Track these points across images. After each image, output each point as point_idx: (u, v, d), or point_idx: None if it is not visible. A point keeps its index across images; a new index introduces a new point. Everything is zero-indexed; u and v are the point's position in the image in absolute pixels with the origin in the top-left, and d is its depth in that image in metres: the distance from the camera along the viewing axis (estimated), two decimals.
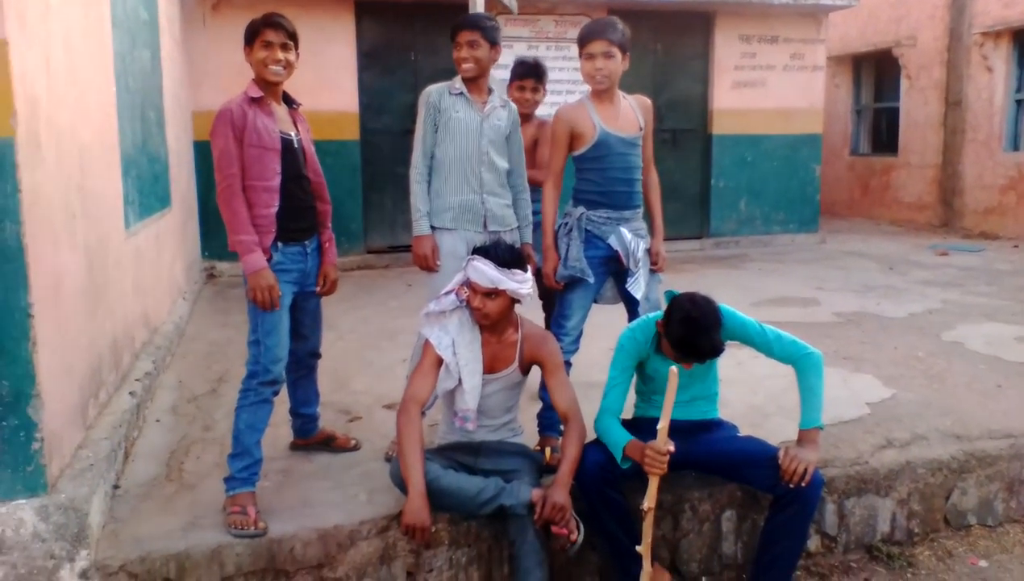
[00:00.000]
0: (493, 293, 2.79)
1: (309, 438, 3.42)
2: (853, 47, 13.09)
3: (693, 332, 2.72)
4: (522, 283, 2.82)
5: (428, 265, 3.36)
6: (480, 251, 2.85)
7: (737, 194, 10.16)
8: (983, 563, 3.24)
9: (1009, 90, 10.78)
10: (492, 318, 2.84)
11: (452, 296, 2.90)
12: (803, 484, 2.73)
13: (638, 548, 2.72)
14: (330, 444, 3.42)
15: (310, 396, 3.41)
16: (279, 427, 3.52)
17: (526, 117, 4.13)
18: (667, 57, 9.83)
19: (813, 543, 3.23)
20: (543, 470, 3.04)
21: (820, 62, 10.32)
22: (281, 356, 2.97)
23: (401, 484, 2.73)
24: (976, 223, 11.12)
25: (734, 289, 6.99)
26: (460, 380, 2.86)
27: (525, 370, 2.97)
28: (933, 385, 4.23)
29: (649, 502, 2.67)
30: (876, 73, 13.35)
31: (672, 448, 2.66)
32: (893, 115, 12.83)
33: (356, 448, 3.43)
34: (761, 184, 10.20)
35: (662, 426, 2.64)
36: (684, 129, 9.97)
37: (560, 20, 9.26)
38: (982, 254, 9.11)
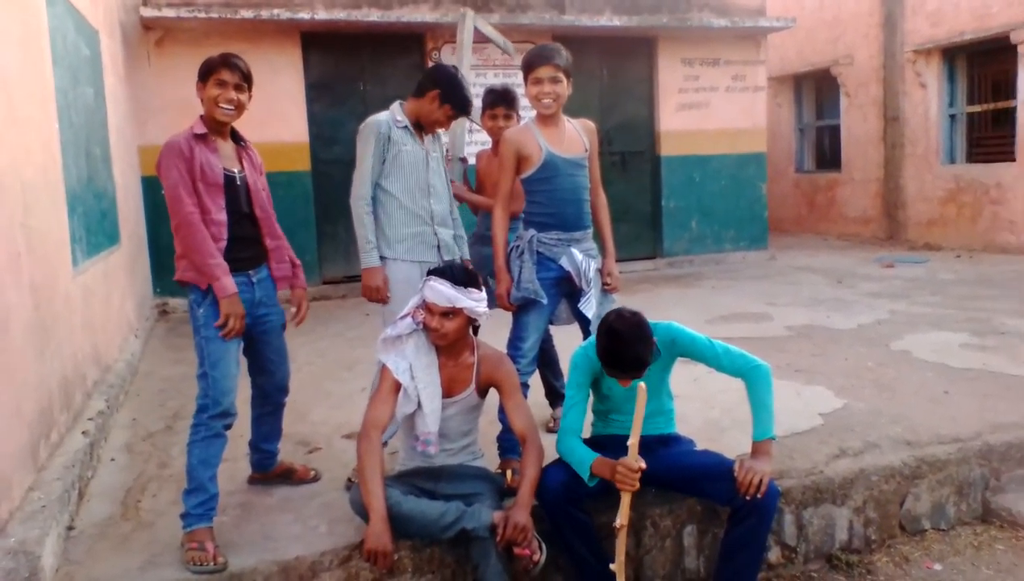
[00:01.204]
0: (451, 312, 2.81)
1: (268, 472, 3.38)
2: (793, 67, 13.47)
3: (616, 344, 2.73)
4: (479, 302, 2.85)
5: (380, 297, 3.37)
6: (436, 272, 2.88)
7: (688, 214, 10.33)
8: (938, 566, 3.31)
9: (942, 105, 11.19)
10: (450, 338, 2.85)
11: (408, 320, 2.90)
12: (759, 495, 2.77)
13: (612, 566, 2.73)
14: (289, 477, 3.38)
15: (273, 432, 3.38)
16: (237, 461, 3.47)
17: (495, 144, 4.16)
18: (613, 81, 10.01)
19: (773, 554, 3.27)
20: (504, 493, 3.05)
21: (761, 83, 10.60)
22: (229, 388, 2.94)
23: (362, 511, 2.72)
24: (920, 235, 11.46)
25: (688, 307, 7.10)
26: (420, 404, 2.86)
27: (482, 393, 2.99)
28: (883, 394, 4.33)
29: (622, 519, 2.69)
30: (816, 91, 13.75)
31: (643, 465, 2.69)
32: (835, 132, 13.20)
33: (316, 479, 3.40)
34: (710, 203, 10.39)
35: (632, 442, 2.67)
36: (633, 151, 10.13)
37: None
38: (926, 265, 9.39)
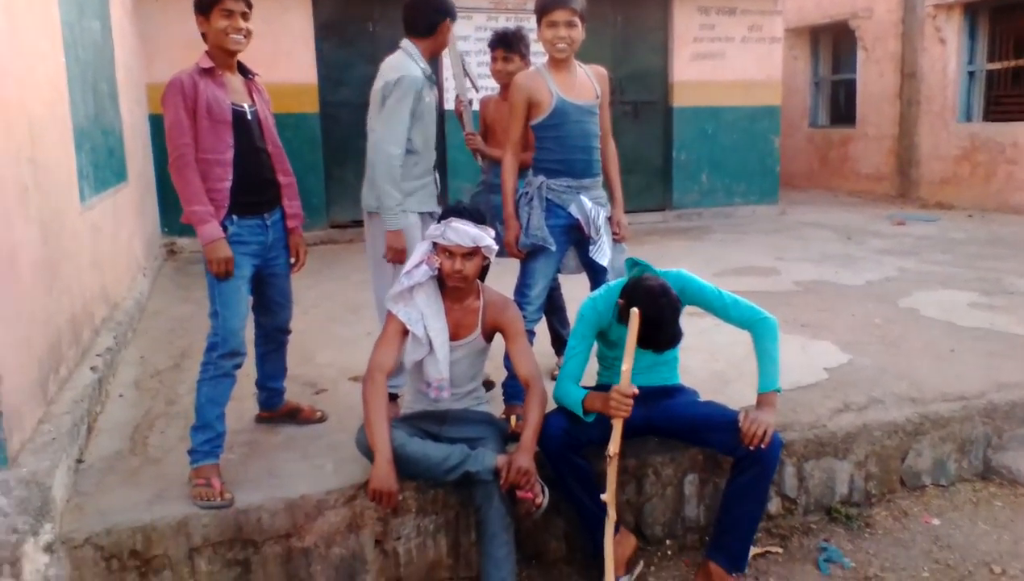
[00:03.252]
0: (472, 253, 2.81)
1: (275, 411, 3.41)
2: (810, 19, 13.20)
3: (654, 329, 2.74)
4: (493, 239, 2.86)
5: (403, 259, 3.30)
6: (453, 213, 2.84)
7: (699, 166, 10.23)
8: (936, 521, 3.34)
9: (961, 62, 10.98)
10: (470, 279, 2.86)
11: (424, 267, 2.86)
12: (762, 446, 2.78)
13: (603, 496, 2.76)
14: (296, 416, 3.41)
15: (278, 370, 3.40)
16: (244, 400, 3.50)
17: (504, 88, 4.09)
18: (627, 29, 9.82)
19: (774, 505, 3.31)
20: (508, 438, 3.07)
21: (778, 34, 10.39)
22: (239, 327, 2.94)
23: (367, 452, 2.74)
24: (932, 193, 11.35)
25: (697, 260, 7.07)
26: (432, 349, 2.86)
27: (488, 337, 2.99)
28: (889, 351, 4.33)
29: (614, 447, 2.71)
30: (833, 45, 13.49)
31: (636, 390, 2.71)
32: (851, 87, 12.99)
33: (322, 420, 3.42)
34: (722, 156, 10.28)
35: (625, 368, 2.68)
36: (645, 101, 9.99)
37: None
38: (938, 223, 9.31)
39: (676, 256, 7.30)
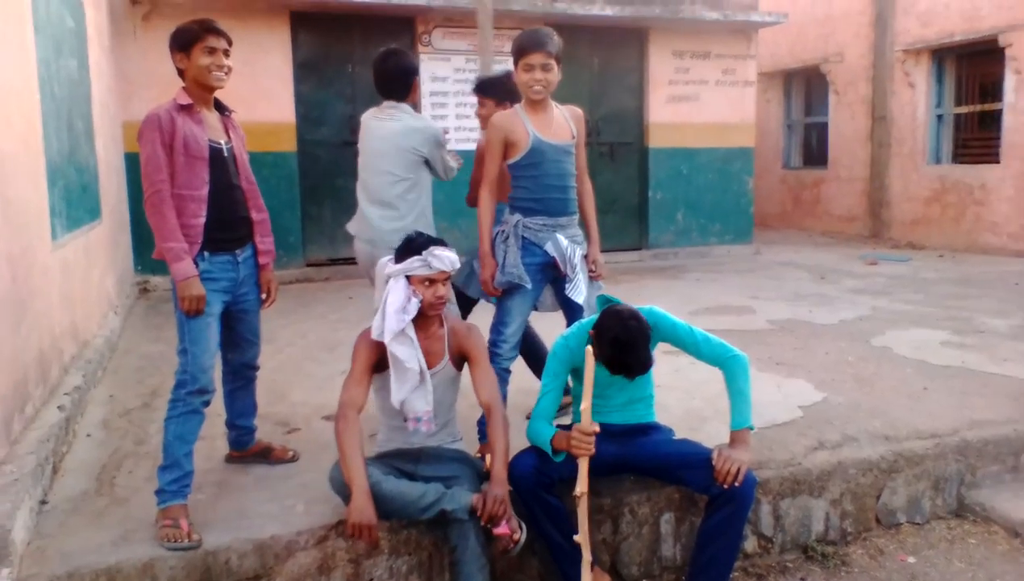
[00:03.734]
0: (447, 277, 2.88)
1: (245, 450, 3.36)
2: (783, 63, 13.49)
3: (622, 352, 2.76)
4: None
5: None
6: (430, 242, 2.87)
7: (674, 206, 10.34)
8: (911, 559, 3.33)
9: (930, 105, 11.24)
10: (446, 303, 2.91)
11: (414, 301, 2.85)
12: (736, 484, 2.78)
13: (576, 537, 2.74)
14: (267, 456, 3.36)
15: (247, 408, 3.35)
16: (215, 439, 3.45)
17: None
18: (603, 71, 9.99)
19: (750, 544, 3.29)
20: (483, 476, 3.04)
21: (751, 77, 10.61)
22: (208, 365, 2.91)
23: (342, 489, 2.70)
24: (904, 234, 11.53)
25: (673, 299, 7.10)
26: (422, 381, 2.84)
27: (456, 364, 2.97)
28: (863, 388, 4.36)
29: (581, 487, 2.70)
30: (806, 89, 13.78)
31: (597, 428, 2.70)
32: (823, 129, 13.25)
33: (294, 459, 3.37)
34: (697, 196, 10.41)
35: (584, 407, 2.69)
36: (621, 142, 10.13)
37: (497, 34, 9.31)
38: (909, 263, 9.44)
39: (652, 295, 7.34)
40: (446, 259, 2.84)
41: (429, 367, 2.89)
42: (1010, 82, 10.09)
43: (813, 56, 12.92)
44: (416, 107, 3.86)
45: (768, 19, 10.23)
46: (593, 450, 2.71)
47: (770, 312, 6.51)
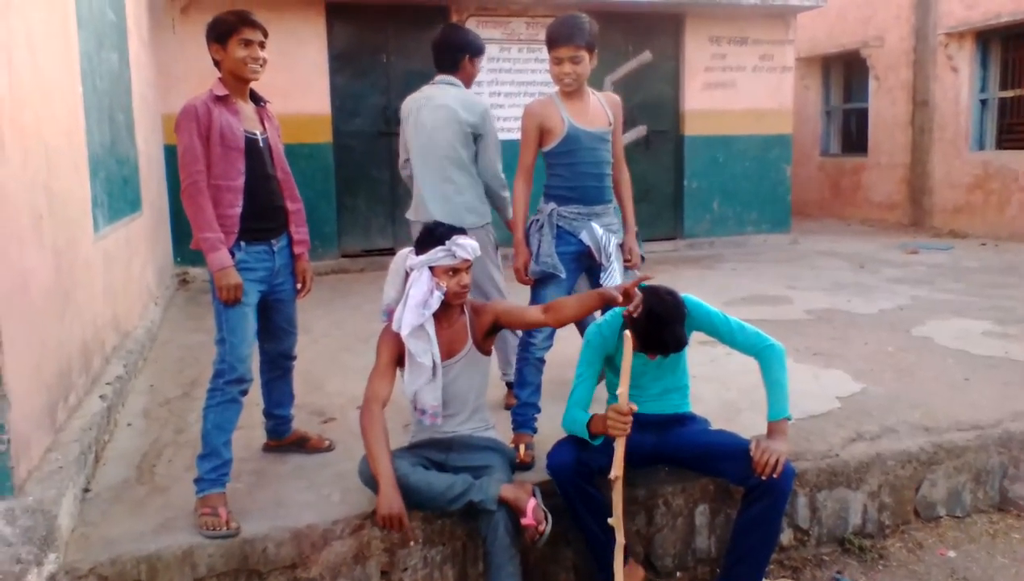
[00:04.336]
0: (469, 265, 2.88)
1: (282, 439, 3.40)
2: (822, 48, 13.26)
3: (657, 326, 2.75)
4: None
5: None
6: (451, 231, 2.88)
7: (710, 195, 10.23)
8: (952, 553, 3.28)
9: (974, 90, 10.97)
10: (469, 291, 2.92)
11: (437, 294, 2.86)
12: (775, 475, 2.75)
13: (609, 520, 2.73)
14: (303, 445, 3.40)
15: (284, 397, 3.39)
16: (252, 429, 3.50)
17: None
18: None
19: (786, 536, 3.26)
20: (516, 466, 3.06)
21: (789, 63, 10.43)
22: (246, 354, 2.94)
23: (370, 482, 2.73)
24: (945, 222, 11.30)
25: (708, 289, 7.04)
26: (434, 376, 2.85)
27: (483, 347, 2.97)
28: (902, 379, 4.28)
29: (616, 470, 2.68)
30: (845, 74, 13.53)
31: (634, 407, 2.67)
32: (862, 115, 13.01)
33: (330, 449, 3.41)
34: (733, 185, 10.29)
35: (622, 390, 2.66)
36: (656, 131, 10.02)
37: (532, 22, 9.30)
38: (951, 252, 9.25)
39: (687, 284, 7.27)
40: (469, 247, 2.84)
41: (451, 355, 2.90)
42: None
43: (852, 40, 12.67)
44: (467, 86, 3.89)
45: (807, 3, 10.04)
46: (628, 429, 2.69)
47: (808, 302, 6.42)
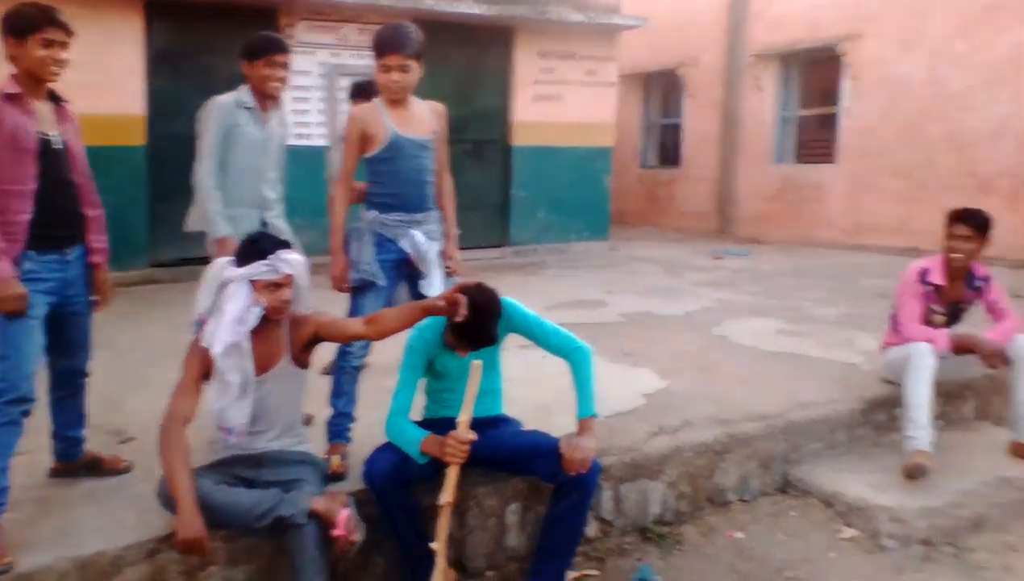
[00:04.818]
0: (291, 280, 2.83)
1: (72, 462, 3.17)
2: (643, 66, 13.96)
3: (477, 318, 2.80)
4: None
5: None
6: (276, 244, 2.83)
7: (536, 204, 10.52)
8: (739, 535, 3.55)
9: (777, 108, 11.94)
10: (290, 305, 2.85)
11: (255, 309, 2.77)
12: (583, 471, 2.87)
13: (432, 545, 2.75)
14: (96, 468, 3.18)
15: (75, 418, 3.17)
16: (37, 452, 3.24)
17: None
18: (470, 69, 10.03)
19: (591, 529, 3.40)
20: (329, 478, 3.02)
21: (613, 79, 10.91)
22: (29, 372, 2.74)
23: (169, 504, 2.60)
24: (747, 229, 12.21)
25: (531, 294, 7.21)
26: (243, 393, 2.77)
27: (300, 360, 2.92)
28: (702, 375, 4.59)
29: (448, 496, 2.71)
30: (663, 91, 14.33)
31: (474, 436, 2.74)
32: (677, 130, 13.82)
33: (126, 470, 3.21)
34: (558, 194, 10.62)
35: (464, 419, 2.74)
36: (485, 140, 10.21)
37: (363, 28, 9.21)
38: (751, 257, 10.01)
39: (511, 291, 7.23)
40: (294, 262, 2.79)
41: (265, 370, 2.82)
42: (846, 87, 10.87)
43: (670, 60, 13.44)
44: (254, 90, 3.74)
45: (629, 22, 10.56)
46: (466, 458, 2.74)
47: (622, 305, 6.74)
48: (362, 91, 4.50)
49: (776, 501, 3.83)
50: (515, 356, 4.49)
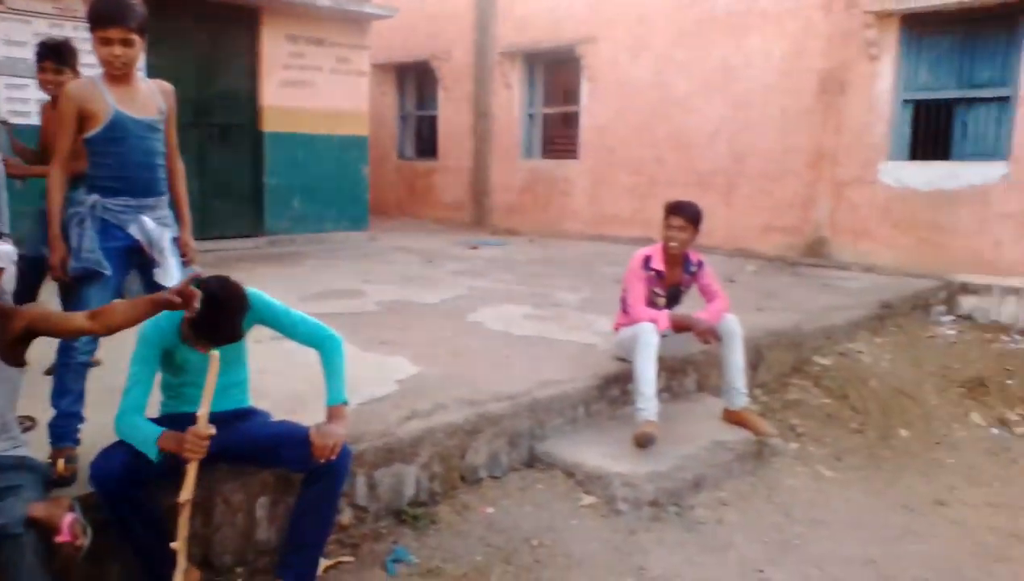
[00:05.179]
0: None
1: None
2: (396, 57, 14.01)
3: (218, 314, 2.69)
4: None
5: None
6: None
7: (291, 192, 10.24)
8: (491, 510, 3.73)
9: (523, 105, 12.51)
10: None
11: None
12: (332, 457, 2.87)
13: (173, 545, 2.62)
14: None
15: None
16: None
17: (55, 100, 3.86)
18: (213, 50, 9.50)
19: (346, 516, 3.41)
20: (53, 483, 2.78)
21: (365, 68, 10.86)
22: None
23: None
24: (502, 221, 12.71)
25: (286, 285, 7.03)
26: None
27: (9, 358, 2.65)
28: (455, 360, 4.74)
29: (186, 494, 2.60)
30: (418, 82, 14.48)
31: (213, 431, 2.64)
32: (434, 122, 14.04)
33: None
34: (314, 183, 10.41)
35: (203, 412, 2.63)
36: (233, 124, 9.75)
37: None
38: (505, 247, 10.44)
39: (265, 282, 7.15)
40: (3, 254, 2.55)
41: None
42: (585, 88, 11.62)
43: (423, 52, 13.59)
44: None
45: (380, 12, 10.55)
46: (206, 453, 2.62)
47: (380, 295, 6.77)
48: (52, 53, 4.09)
49: (524, 476, 4.05)
50: (266, 347, 4.37)
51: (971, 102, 8.36)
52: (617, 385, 4.66)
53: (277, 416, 3.25)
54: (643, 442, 4.08)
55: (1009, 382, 6.18)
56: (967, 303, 7.88)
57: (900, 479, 4.74)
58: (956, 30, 8.35)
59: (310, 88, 10.30)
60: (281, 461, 3.04)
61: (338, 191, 10.65)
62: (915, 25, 8.56)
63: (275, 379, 4.13)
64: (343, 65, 10.59)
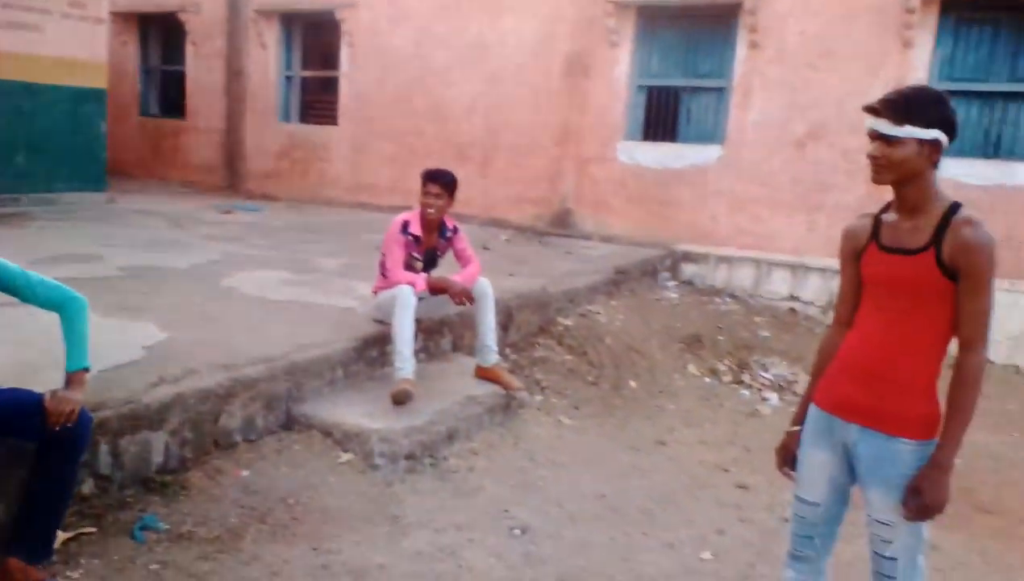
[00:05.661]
0: None
1: None
2: (139, 6, 12.97)
3: None
4: None
5: None
6: None
7: (14, 148, 9.19)
8: (245, 473, 3.72)
9: (280, 66, 12.11)
10: None
11: None
12: (69, 424, 2.74)
13: None
14: None
15: None
16: None
17: None
18: None
19: (87, 486, 3.26)
20: None
21: (102, 15, 9.94)
22: None
23: None
24: (258, 185, 12.27)
25: (12, 248, 6.30)
26: None
27: None
28: (208, 326, 4.62)
29: None
30: (164, 35, 13.50)
31: None
32: (182, 79, 13.18)
33: None
34: (42, 138, 9.41)
35: None
36: None
37: None
38: (262, 213, 10.13)
39: None
40: None
41: None
42: (345, 53, 11.47)
43: (170, 3, 12.69)
44: None
45: None
46: None
47: (122, 259, 6.34)
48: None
49: (281, 438, 4.07)
50: None
51: (695, 90, 9.34)
52: (376, 347, 4.79)
53: (7, 385, 3.02)
54: (400, 399, 4.25)
55: (720, 338, 7.09)
56: (688, 270, 8.89)
57: (629, 424, 5.33)
58: (684, 25, 9.27)
59: (37, 33, 9.27)
60: (12, 431, 2.85)
61: (71, 148, 9.71)
62: (649, 17, 9.37)
63: (4, 348, 3.81)
64: (76, 10, 9.62)
